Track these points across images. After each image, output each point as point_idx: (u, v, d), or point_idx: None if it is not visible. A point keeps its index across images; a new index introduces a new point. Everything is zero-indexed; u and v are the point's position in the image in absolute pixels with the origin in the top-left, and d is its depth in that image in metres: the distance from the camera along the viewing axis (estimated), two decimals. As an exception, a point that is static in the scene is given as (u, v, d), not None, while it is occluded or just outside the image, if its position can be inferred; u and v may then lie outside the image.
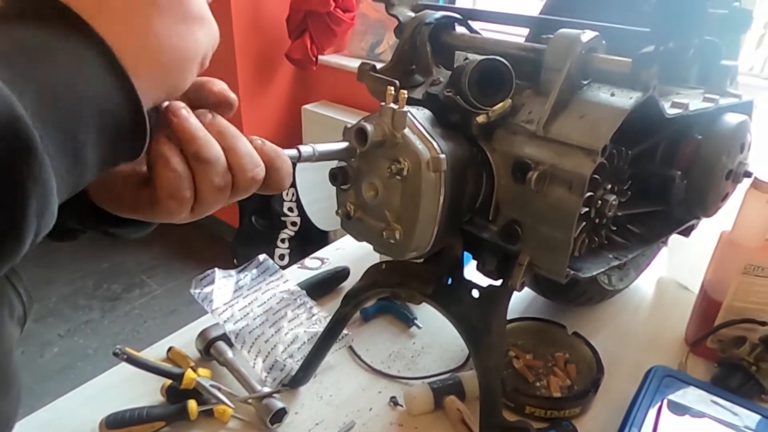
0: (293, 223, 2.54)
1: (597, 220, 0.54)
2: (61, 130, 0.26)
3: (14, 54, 0.25)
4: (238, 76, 2.49)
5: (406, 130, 0.48)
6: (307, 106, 2.66)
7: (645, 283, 0.99)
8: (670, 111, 0.55)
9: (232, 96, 0.37)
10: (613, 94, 0.50)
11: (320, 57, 2.51)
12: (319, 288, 0.93)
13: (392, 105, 0.47)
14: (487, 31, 0.68)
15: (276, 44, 2.55)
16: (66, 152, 0.26)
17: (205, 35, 0.33)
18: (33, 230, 0.25)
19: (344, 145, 0.48)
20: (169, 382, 0.72)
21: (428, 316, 0.87)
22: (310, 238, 2.44)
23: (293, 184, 2.43)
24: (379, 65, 0.63)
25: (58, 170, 0.25)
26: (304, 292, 0.88)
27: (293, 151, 0.42)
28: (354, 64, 2.48)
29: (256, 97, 2.62)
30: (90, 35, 0.27)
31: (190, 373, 0.71)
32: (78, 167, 0.27)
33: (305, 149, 0.43)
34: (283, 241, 2.55)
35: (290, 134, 2.79)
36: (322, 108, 2.64)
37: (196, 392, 0.71)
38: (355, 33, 2.56)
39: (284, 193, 2.57)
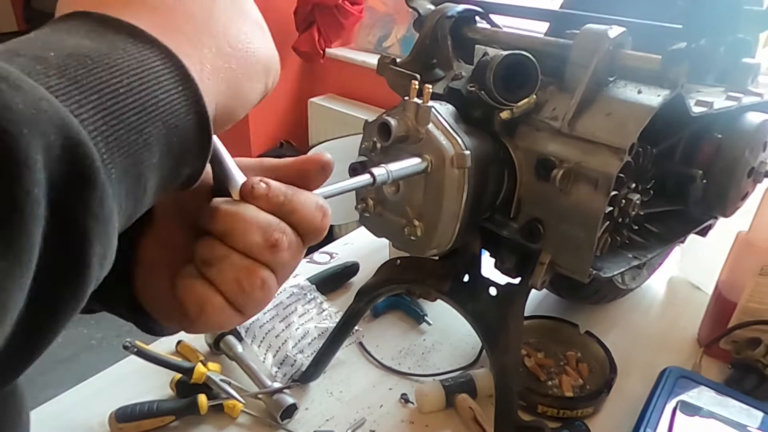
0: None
1: (620, 220, 0.53)
2: (124, 151, 0.21)
3: (66, 60, 0.20)
4: (244, 67, 2.48)
5: (430, 126, 0.47)
6: (313, 99, 2.65)
7: (656, 283, 0.98)
8: (696, 109, 0.54)
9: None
10: (640, 92, 0.49)
11: (327, 50, 2.50)
12: (328, 283, 0.92)
13: (416, 99, 0.46)
14: (504, 26, 0.67)
15: (283, 36, 2.54)
16: (129, 178, 0.22)
17: (266, 47, 0.28)
18: (94, 280, 0.21)
19: (417, 161, 0.45)
20: (178, 376, 0.72)
21: (439, 312, 0.86)
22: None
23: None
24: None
25: (118, 201, 0.21)
26: (314, 287, 0.88)
27: (366, 177, 0.36)
28: (361, 57, 2.46)
29: (262, 89, 2.60)
30: (149, 40, 0.23)
31: (200, 368, 0.70)
32: (138, 194, 0.23)
33: (379, 172, 0.37)
34: (287, 234, 2.54)
35: (297, 127, 2.78)
36: (329, 101, 2.62)
37: (206, 387, 0.70)
38: (363, 26, 2.54)
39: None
